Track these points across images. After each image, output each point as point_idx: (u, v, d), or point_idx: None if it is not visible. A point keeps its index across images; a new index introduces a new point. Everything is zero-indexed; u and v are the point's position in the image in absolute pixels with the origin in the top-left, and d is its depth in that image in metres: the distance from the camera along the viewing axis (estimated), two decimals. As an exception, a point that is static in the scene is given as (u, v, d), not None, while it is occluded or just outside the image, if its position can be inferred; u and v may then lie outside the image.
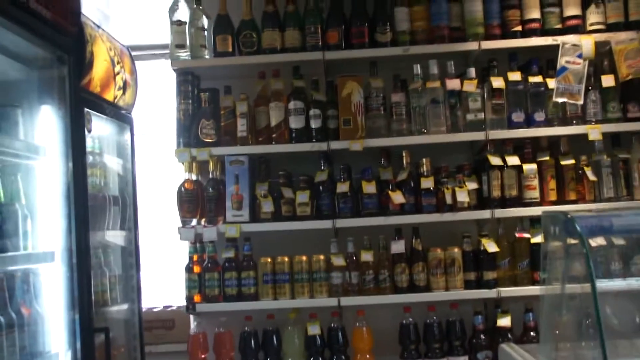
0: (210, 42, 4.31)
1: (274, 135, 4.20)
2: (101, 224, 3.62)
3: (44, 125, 3.03)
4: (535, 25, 4.22)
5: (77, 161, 3.13)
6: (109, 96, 3.55)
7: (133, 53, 3.95)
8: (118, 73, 3.64)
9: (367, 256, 4.10)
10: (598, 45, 4.14)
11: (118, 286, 3.79)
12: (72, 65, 3.12)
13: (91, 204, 3.29)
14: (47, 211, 3.01)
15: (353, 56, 4.22)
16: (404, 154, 4.19)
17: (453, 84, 4.14)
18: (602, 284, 2.23)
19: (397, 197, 4.09)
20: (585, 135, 4.09)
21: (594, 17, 4.21)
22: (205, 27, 4.30)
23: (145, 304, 4.17)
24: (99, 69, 3.37)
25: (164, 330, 4.49)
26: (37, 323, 2.88)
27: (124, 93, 3.74)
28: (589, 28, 4.22)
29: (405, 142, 4.16)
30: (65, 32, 3.02)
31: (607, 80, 4.15)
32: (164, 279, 4.70)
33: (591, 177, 4.07)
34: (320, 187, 4.17)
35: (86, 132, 3.27)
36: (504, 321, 4.08)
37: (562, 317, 2.44)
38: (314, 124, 4.18)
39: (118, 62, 3.65)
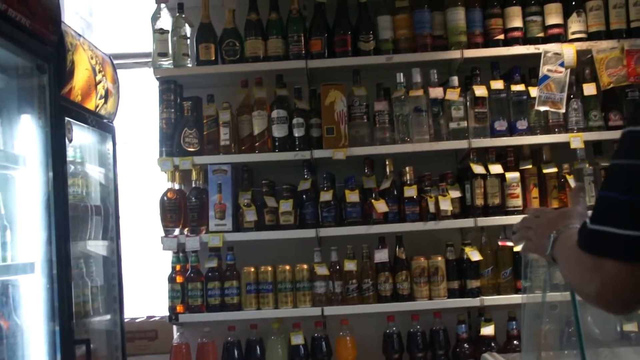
0: (193, 51, 4.29)
1: (257, 144, 4.18)
2: (83, 234, 3.59)
3: (24, 134, 3.00)
4: (517, 34, 4.24)
5: (57, 171, 3.11)
6: (90, 105, 3.52)
7: (115, 61, 3.94)
8: (100, 82, 3.62)
9: (350, 265, 4.09)
10: (580, 53, 4.16)
11: (100, 297, 3.76)
12: (53, 74, 3.09)
13: (72, 214, 3.27)
14: (26, 222, 2.98)
15: (336, 64, 4.22)
16: (387, 163, 4.19)
17: (436, 92, 4.14)
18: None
19: (381, 206, 4.09)
20: (567, 144, 4.10)
21: (575, 25, 4.23)
22: (188, 35, 4.28)
23: (128, 315, 4.14)
24: (80, 78, 3.34)
25: (146, 341, 4.45)
26: (16, 335, 2.85)
27: (105, 102, 3.71)
28: (571, 37, 4.24)
29: (388, 151, 4.15)
30: (46, 41, 3.00)
31: (589, 89, 4.17)
32: (146, 289, 4.67)
33: (573, 185, 4.06)
34: (304, 196, 4.16)
35: (67, 142, 3.25)
36: (488, 330, 4.08)
37: (544, 326, 2.43)
38: (297, 132, 4.17)
39: (100, 71, 3.63)
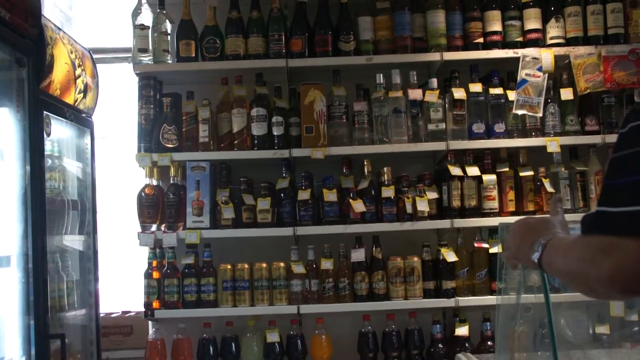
0: (173, 47, 4.28)
1: (236, 142, 4.18)
2: (59, 228, 3.58)
3: (2, 128, 2.98)
4: (496, 37, 4.27)
5: (35, 165, 3.09)
6: (69, 99, 3.51)
7: (95, 56, 3.92)
8: (79, 76, 3.61)
9: (327, 264, 4.10)
10: (557, 59, 4.20)
11: (75, 291, 3.74)
12: (32, 68, 3.08)
13: (49, 208, 3.25)
14: (3, 215, 2.96)
15: (316, 64, 4.22)
16: (365, 163, 4.20)
17: (415, 94, 4.16)
18: (557, 295, 2.25)
19: (358, 206, 4.10)
20: (543, 147, 4.14)
21: (553, 31, 4.28)
22: (169, 31, 4.27)
23: (103, 310, 4.12)
24: (59, 72, 3.33)
25: (121, 336, 4.43)
26: (-10, 329, 2.84)
27: (84, 96, 3.70)
28: (549, 42, 4.29)
29: (367, 151, 4.17)
30: (25, 34, 2.98)
31: (566, 94, 4.22)
32: (122, 285, 4.65)
33: (549, 188, 4.12)
34: (282, 195, 4.17)
35: (45, 136, 3.23)
36: (462, 330, 4.10)
37: (518, 327, 2.46)
38: (276, 131, 4.17)
39: (79, 65, 3.61)
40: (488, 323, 4.09)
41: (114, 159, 4.68)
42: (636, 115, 1.46)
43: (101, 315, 3.93)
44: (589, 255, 1.44)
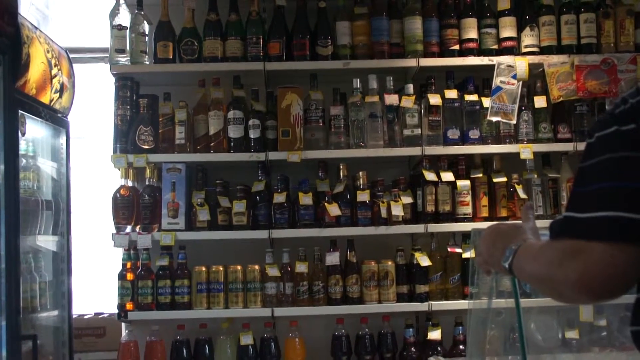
0: (150, 48, 4.27)
1: (212, 144, 4.17)
2: (32, 229, 3.56)
3: (-24, 126, 2.97)
4: (472, 45, 4.30)
5: (9, 164, 3.08)
6: (45, 99, 3.49)
7: (72, 55, 3.91)
8: (55, 76, 3.59)
9: (301, 267, 4.10)
10: (532, 67, 4.24)
11: (48, 292, 3.73)
12: (7, 67, 3.08)
13: (23, 208, 3.24)
14: (-25, 215, 2.94)
15: (294, 68, 4.23)
16: (341, 167, 4.21)
17: (391, 99, 4.18)
18: (527, 300, 2.29)
19: (333, 209, 4.11)
20: (517, 154, 4.17)
21: (528, 39, 4.32)
22: (147, 32, 4.25)
23: (76, 311, 4.10)
24: (35, 71, 3.32)
25: (94, 338, 4.39)
26: (-39, 329, 2.82)
27: (60, 96, 3.68)
28: (524, 50, 4.32)
29: (343, 155, 4.18)
30: (1, 32, 2.96)
31: (539, 102, 4.26)
32: (96, 286, 4.61)
33: (522, 194, 4.15)
34: (257, 197, 4.17)
35: (20, 135, 3.22)
36: (435, 334, 4.12)
37: (489, 331, 2.49)
38: (253, 134, 4.17)
39: (55, 65, 3.60)
40: (460, 327, 4.11)
41: (89, 160, 4.65)
42: (601, 125, 1.50)
43: (74, 316, 3.90)
44: (556, 259, 1.48)
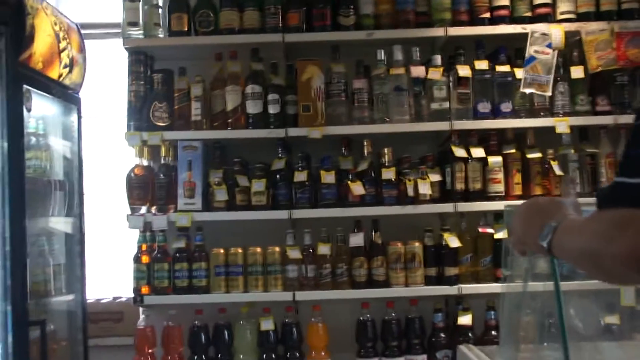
0: (164, 21, 4.15)
1: (229, 120, 4.05)
2: (45, 210, 3.49)
3: (-23, 102, 2.88)
4: (504, 12, 4.13)
5: (13, 141, 3.01)
6: (53, 74, 3.40)
7: (84, 31, 3.80)
8: (64, 49, 3.49)
9: (324, 249, 3.98)
10: (568, 35, 4.07)
11: (62, 276, 3.67)
12: (10, 38, 2.99)
13: (33, 189, 3.19)
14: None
15: (314, 39, 4.09)
16: (365, 143, 4.08)
17: (418, 71, 4.04)
18: (566, 283, 2.13)
19: (357, 188, 3.98)
20: (552, 128, 4.01)
21: (564, 5, 4.14)
22: (160, 4, 4.15)
23: (94, 295, 4.08)
24: (41, 44, 3.22)
25: (111, 322, 4.35)
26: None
27: (70, 71, 3.59)
28: (559, 17, 4.14)
29: (366, 131, 4.05)
30: (3, 2, 2.87)
31: (577, 72, 4.08)
32: (114, 269, 4.55)
33: (558, 171, 3.99)
34: (277, 176, 4.04)
35: (26, 111, 3.12)
36: (465, 319, 4.00)
37: (524, 317, 2.35)
38: (272, 109, 4.04)
39: (64, 38, 3.49)
40: (492, 312, 3.98)
41: (102, 138, 4.59)
42: None
43: (91, 301, 3.89)
44: (605, 232, 1.28)
